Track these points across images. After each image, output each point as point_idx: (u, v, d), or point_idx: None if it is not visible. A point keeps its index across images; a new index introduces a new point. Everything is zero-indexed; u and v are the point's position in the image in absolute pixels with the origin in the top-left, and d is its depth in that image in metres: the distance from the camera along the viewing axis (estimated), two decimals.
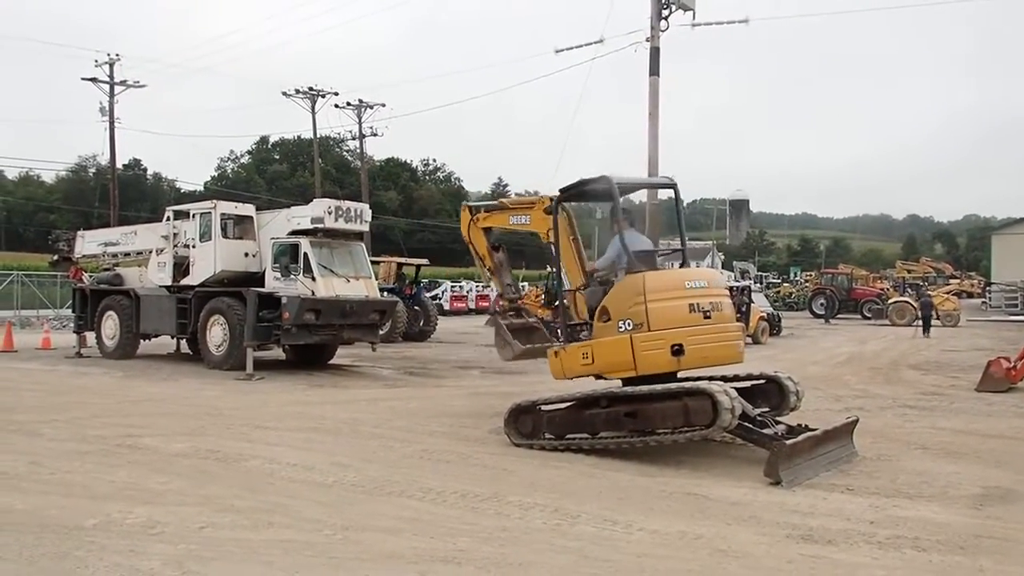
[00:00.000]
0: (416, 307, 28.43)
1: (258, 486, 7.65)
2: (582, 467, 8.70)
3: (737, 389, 9.03)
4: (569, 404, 9.65)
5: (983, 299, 57.16)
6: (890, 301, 42.64)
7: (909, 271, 69.27)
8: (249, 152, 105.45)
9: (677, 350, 8.98)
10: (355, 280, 18.04)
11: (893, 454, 9.61)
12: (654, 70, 26.09)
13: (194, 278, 18.55)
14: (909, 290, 50.32)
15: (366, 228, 18.97)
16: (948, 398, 14.81)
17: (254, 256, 18.60)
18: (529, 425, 9.76)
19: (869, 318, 43.42)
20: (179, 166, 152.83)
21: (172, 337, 20.14)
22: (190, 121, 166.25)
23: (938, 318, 36.60)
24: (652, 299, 9.09)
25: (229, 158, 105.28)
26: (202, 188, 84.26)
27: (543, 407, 9.77)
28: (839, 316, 44.56)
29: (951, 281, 64.66)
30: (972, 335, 32.15)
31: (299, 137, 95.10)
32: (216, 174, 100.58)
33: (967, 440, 10.58)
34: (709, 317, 9.18)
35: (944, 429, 11.39)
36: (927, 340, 30.27)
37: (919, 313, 34.55)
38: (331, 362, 19.59)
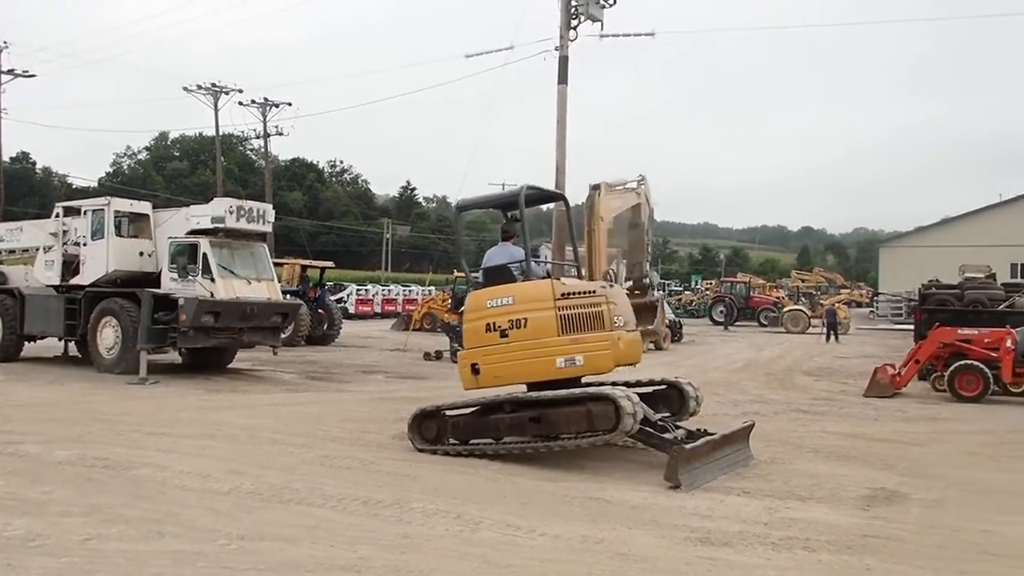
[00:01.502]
0: (320, 310, 27.95)
1: (149, 495, 7.36)
2: (486, 472, 8.69)
3: (639, 394, 9.16)
4: (474, 409, 9.63)
5: (871, 308, 59.54)
6: (785, 309, 44.01)
7: (803, 281, 71.57)
8: (147, 148, 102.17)
9: (475, 369, 9.46)
10: (256, 282, 17.60)
11: (787, 457, 9.91)
12: (563, 78, 26.31)
13: (84, 278, 17.79)
14: (803, 299, 51.98)
15: (269, 229, 18.55)
16: (838, 403, 15.37)
17: (150, 256, 17.95)
18: (433, 430, 9.69)
19: (766, 325, 44.70)
20: (71, 161, 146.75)
21: (60, 339, 19.29)
22: (84, 115, 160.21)
23: (840, 325, 38.06)
24: (467, 319, 9.85)
25: (126, 154, 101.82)
26: (96, 185, 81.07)
27: (447, 412, 9.72)
28: (737, 323, 45.73)
29: (842, 291, 67.03)
30: (860, 343, 33.46)
31: (201, 134, 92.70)
32: (111, 170, 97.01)
33: (855, 444, 10.99)
34: (506, 336, 9.33)
35: (834, 433, 11.80)
36: (824, 346, 31.42)
37: (825, 321, 35.93)
38: (230, 366, 19.05)
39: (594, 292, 9.45)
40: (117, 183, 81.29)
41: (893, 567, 5.95)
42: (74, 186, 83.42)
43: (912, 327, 25.09)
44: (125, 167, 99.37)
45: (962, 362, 15.76)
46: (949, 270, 31.57)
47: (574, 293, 9.40)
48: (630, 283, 13.12)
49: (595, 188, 12.98)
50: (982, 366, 15.53)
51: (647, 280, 11.76)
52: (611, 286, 10.05)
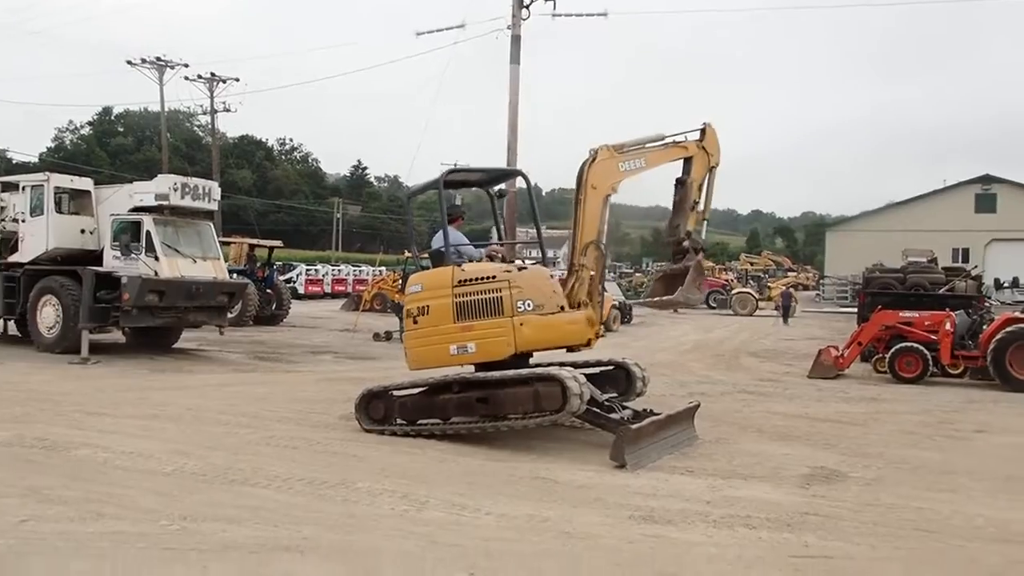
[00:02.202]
0: (268, 290, 27.64)
1: (89, 476, 7.24)
2: (433, 452, 8.69)
3: (586, 375, 9.24)
4: (421, 389, 9.61)
5: (817, 291, 60.58)
6: (734, 292, 44.57)
7: (752, 264, 72.57)
8: (90, 123, 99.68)
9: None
10: (202, 261, 17.32)
11: (731, 437, 10.05)
12: (515, 58, 26.30)
13: (23, 255, 17.35)
14: (751, 282, 52.68)
15: (215, 207, 18.26)
16: (783, 384, 15.63)
17: (91, 233, 17.55)
18: (381, 411, 9.65)
19: (715, 308, 45.19)
20: (11, 136, 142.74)
21: None
22: (24, 88, 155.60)
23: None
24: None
25: (68, 129, 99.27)
26: (37, 160, 79.03)
27: (395, 392, 9.69)
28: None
29: (789, 274, 68.04)
30: (806, 325, 34.03)
31: (146, 109, 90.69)
32: (53, 145, 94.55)
33: (798, 423, 11.19)
34: (416, 322, 9.70)
35: (778, 413, 12.01)
36: (777, 328, 32.05)
37: (780, 303, 36.60)
38: (175, 346, 18.76)
39: (494, 277, 9.48)
40: (59, 159, 79.29)
41: (831, 544, 6.08)
42: (14, 161, 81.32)
43: (856, 310, 25.63)
44: (67, 142, 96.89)
45: (903, 344, 16.11)
46: (893, 254, 32.39)
47: (472, 279, 9.49)
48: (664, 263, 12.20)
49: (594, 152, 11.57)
50: (922, 348, 15.89)
51: (686, 244, 10.97)
52: (521, 269, 9.87)
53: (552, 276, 10.07)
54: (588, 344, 9.81)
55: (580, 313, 9.70)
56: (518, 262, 11.40)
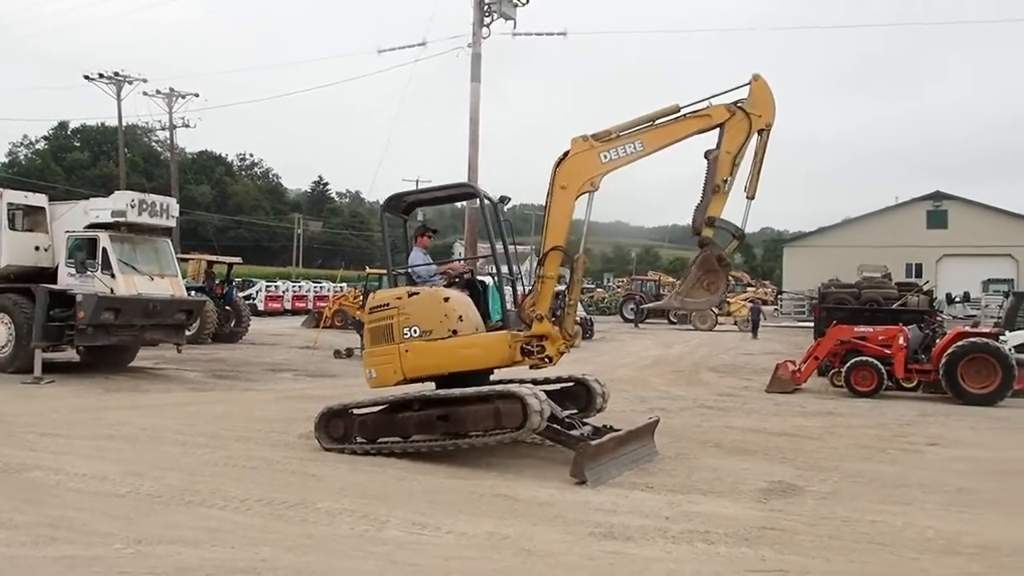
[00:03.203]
0: (227, 307, 27.36)
1: (41, 498, 7.12)
2: (393, 471, 8.66)
3: (546, 391, 9.26)
4: (381, 408, 9.57)
5: (775, 306, 61.30)
6: None
7: None
8: (46, 138, 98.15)
9: None
10: (160, 278, 17.13)
11: (690, 452, 10.14)
12: (476, 76, 26.46)
13: None
14: None
15: (172, 224, 18.07)
16: (741, 399, 15.80)
17: (46, 250, 17.26)
18: (341, 429, 9.60)
19: (675, 323, 45.57)
20: None
21: None
22: None
23: (747, 322, 39.71)
24: None
25: (22, 143, 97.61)
26: None
27: (355, 411, 9.65)
28: (647, 321, 46.50)
29: (748, 289, 68.75)
30: (765, 340, 34.44)
31: (103, 124, 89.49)
32: (7, 160, 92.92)
33: (756, 438, 11.31)
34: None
35: (737, 428, 12.13)
36: (744, 342, 32.60)
37: (750, 317, 37.67)
38: (131, 365, 18.49)
39: (387, 305, 9.62)
40: (13, 174, 77.93)
41: (787, 558, 6.15)
42: None
43: (813, 324, 25.97)
44: (22, 157, 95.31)
45: (858, 358, 16.37)
46: (849, 269, 32.82)
47: (377, 306, 9.72)
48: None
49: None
50: (876, 362, 16.16)
51: (705, 234, 9.48)
52: (412, 295, 9.65)
53: (447, 299, 9.54)
54: (549, 362, 9.51)
55: (488, 336, 9.42)
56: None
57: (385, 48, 29.27)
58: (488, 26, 26.81)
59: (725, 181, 9.46)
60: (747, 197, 9.63)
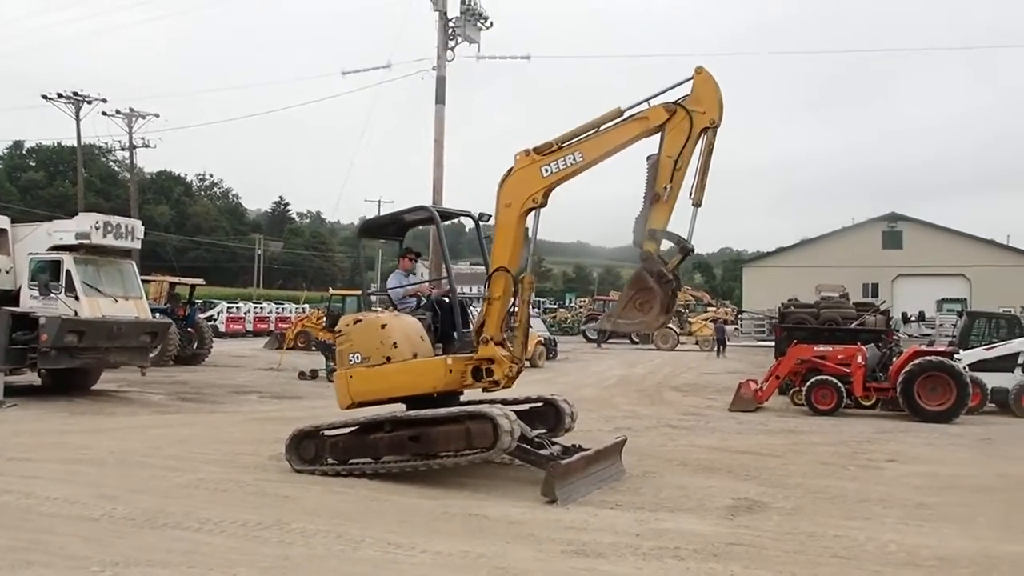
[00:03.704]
0: (189, 329, 27.15)
1: (13, 522, 7.10)
2: (365, 492, 8.72)
3: (516, 412, 9.39)
4: (352, 429, 9.64)
5: (736, 326, 62.01)
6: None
7: None
8: (0, 158, 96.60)
9: None
10: (124, 300, 17.01)
11: (657, 470, 10.31)
12: (440, 98, 26.63)
13: None
14: (673, 317, 53.61)
15: (137, 246, 17.98)
16: (705, 418, 16.03)
17: (8, 272, 17.06)
18: (312, 451, 9.65)
19: (637, 343, 45.89)
20: None
21: None
22: None
23: (707, 342, 40.44)
24: None
25: None
26: None
27: (326, 432, 9.70)
28: (610, 341, 46.77)
29: (708, 308, 69.41)
30: (727, 359, 34.85)
31: (59, 144, 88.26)
32: None
33: (721, 456, 11.52)
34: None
35: (702, 446, 12.33)
36: (709, 361, 33.23)
37: (714, 337, 38.61)
38: (94, 387, 18.29)
39: (340, 331, 9.82)
40: None
41: (755, 572, 6.33)
42: None
43: (773, 344, 26.39)
44: None
45: (818, 377, 16.70)
46: (807, 289, 33.40)
47: (337, 331, 9.93)
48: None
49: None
50: (836, 381, 16.51)
51: (647, 248, 8.78)
52: (356, 321, 9.77)
53: (384, 325, 9.54)
54: (498, 385, 9.43)
55: (421, 362, 9.39)
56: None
57: (350, 70, 29.38)
58: (452, 49, 27.04)
59: (665, 188, 8.81)
60: (693, 205, 8.92)
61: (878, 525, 7.85)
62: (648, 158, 8.92)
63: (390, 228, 11.11)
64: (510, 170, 9.34)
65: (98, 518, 7.37)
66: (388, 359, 9.37)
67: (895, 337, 22.67)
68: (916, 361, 15.94)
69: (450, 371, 9.30)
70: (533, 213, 9.41)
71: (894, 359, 16.81)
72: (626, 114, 9.01)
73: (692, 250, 9.14)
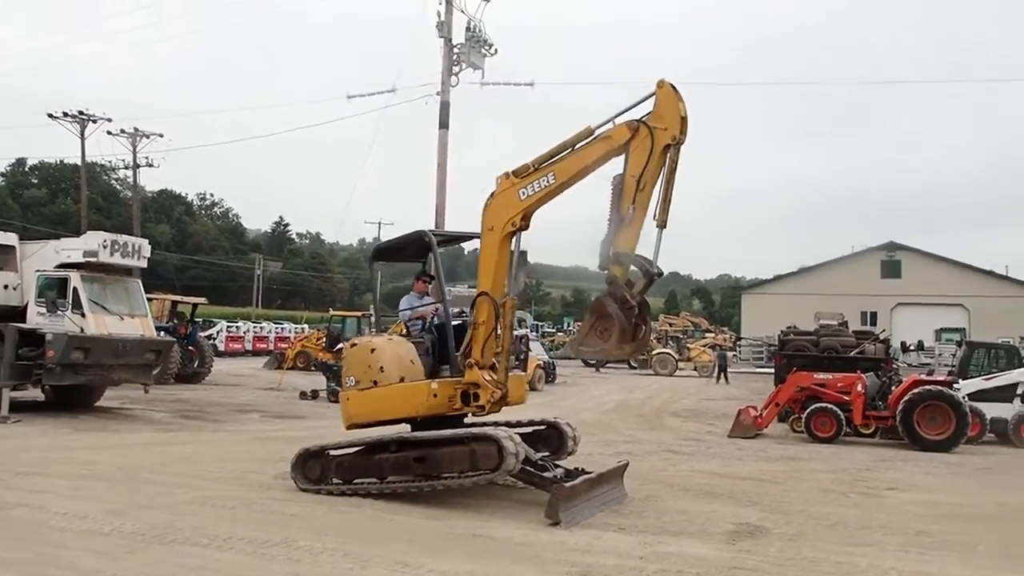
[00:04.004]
0: (191, 347, 27.21)
1: (26, 536, 7.18)
2: (371, 511, 8.80)
3: (520, 434, 9.47)
4: (358, 449, 9.72)
5: (734, 352, 62.08)
6: (654, 352, 45.41)
7: (671, 324, 73.97)
8: (3, 175, 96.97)
9: None
10: (129, 318, 17.14)
11: (659, 495, 10.39)
12: (444, 123, 26.87)
13: None
14: (671, 342, 53.68)
15: (144, 264, 18.11)
16: (705, 443, 16.11)
17: (15, 289, 17.21)
18: (317, 470, 9.73)
19: (635, 368, 45.93)
20: None
21: None
22: None
23: (704, 368, 40.65)
24: None
25: None
26: None
27: (332, 452, 9.78)
28: (608, 365, 46.83)
29: (707, 335, 69.51)
30: (727, 385, 34.90)
31: (61, 161, 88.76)
32: None
33: (722, 482, 11.60)
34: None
35: (702, 472, 12.41)
36: (709, 387, 33.45)
37: (716, 363, 38.87)
38: (98, 404, 18.37)
39: (343, 354, 10.12)
40: None
41: None
42: None
43: (773, 371, 26.51)
44: None
45: (817, 405, 16.79)
46: (805, 316, 33.59)
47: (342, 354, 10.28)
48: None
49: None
50: (836, 409, 16.58)
51: (612, 271, 8.53)
52: (353, 345, 10.02)
53: (373, 350, 9.65)
54: (484, 410, 9.39)
55: (404, 387, 9.43)
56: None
57: (355, 94, 29.66)
58: (457, 75, 27.31)
59: (629, 209, 8.51)
60: (657, 227, 8.60)
61: (879, 552, 7.93)
62: (613, 179, 8.72)
63: (407, 251, 11.15)
64: (492, 193, 9.30)
65: (108, 533, 7.45)
66: (375, 383, 9.54)
67: (894, 366, 22.77)
68: (916, 390, 16.04)
69: (434, 395, 9.36)
70: (515, 236, 9.33)
71: (893, 388, 16.90)
72: (595, 133, 8.85)
73: (658, 275, 8.75)
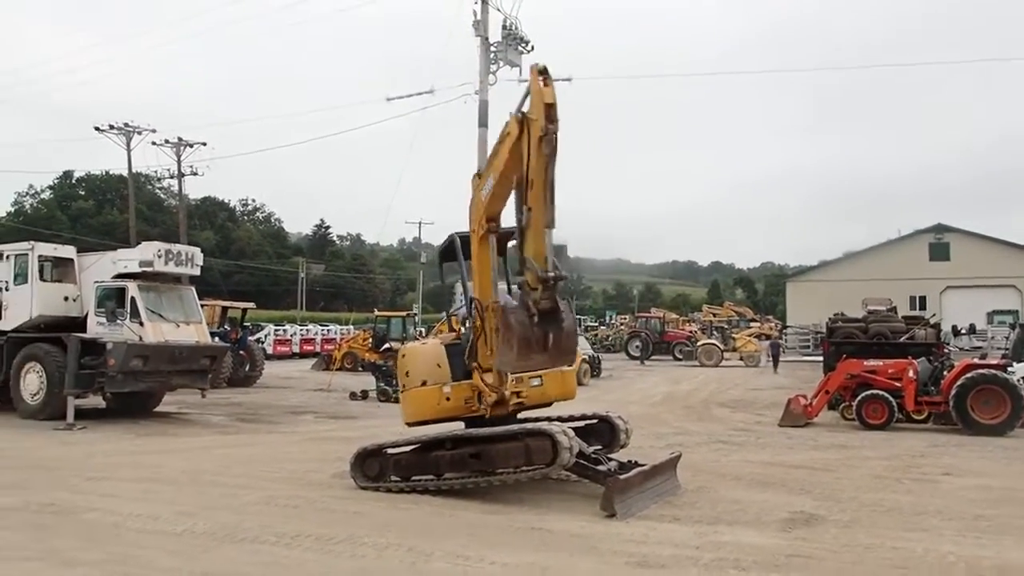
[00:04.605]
0: (241, 352, 27.72)
1: (103, 538, 7.48)
2: (430, 507, 9.01)
3: (573, 428, 9.63)
4: (415, 447, 9.94)
5: (781, 341, 61.53)
6: (699, 343, 45.26)
7: (715, 315, 73.63)
8: (51, 187, 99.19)
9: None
10: (185, 325, 17.59)
11: (712, 485, 10.47)
12: (483, 122, 26.98)
13: (7, 323, 17.51)
14: (716, 333, 53.46)
15: (197, 272, 18.59)
16: (755, 433, 16.11)
17: (75, 300, 17.76)
18: (376, 468, 9.95)
19: (680, 359, 45.81)
20: None
21: None
22: None
23: (751, 358, 40.54)
24: None
25: (28, 193, 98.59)
26: None
27: (389, 450, 10.01)
28: (653, 357, 46.76)
29: (752, 324, 68.99)
30: (772, 374, 34.70)
31: (107, 173, 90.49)
32: (13, 209, 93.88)
33: (774, 471, 11.64)
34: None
35: (754, 462, 12.46)
36: (765, 376, 33.53)
37: (770, 352, 38.89)
38: (156, 410, 18.86)
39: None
40: (19, 222, 78.89)
41: None
42: None
43: (820, 359, 26.31)
44: (27, 206, 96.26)
45: (868, 392, 16.69)
46: (852, 303, 33.16)
47: None
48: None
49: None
50: (887, 396, 16.48)
51: (530, 279, 8.11)
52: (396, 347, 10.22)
53: (404, 355, 10.47)
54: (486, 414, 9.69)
55: (419, 391, 10.06)
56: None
57: (393, 96, 29.90)
58: (494, 73, 27.44)
59: (529, 210, 8.09)
60: (544, 227, 8.07)
61: (936, 537, 7.95)
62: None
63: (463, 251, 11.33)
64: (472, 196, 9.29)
65: (180, 533, 7.73)
66: (403, 387, 10.27)
67: (946, 350, 22.51)
68: (969, 374, 15.90)
69: (447, 399, 9.78)
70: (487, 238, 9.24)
71: (945, 372, 16.75)
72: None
73: (555, 279, 8.17)
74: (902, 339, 22.48)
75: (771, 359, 37.88)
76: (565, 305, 8.58)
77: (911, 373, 16.60)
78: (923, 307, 48.86)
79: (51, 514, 8.39)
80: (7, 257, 17.83)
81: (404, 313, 40.47)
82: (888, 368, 17.10)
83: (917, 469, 11.94)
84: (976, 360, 17.40)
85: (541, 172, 8.04)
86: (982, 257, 53.70)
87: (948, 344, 29.53)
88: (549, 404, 10.52)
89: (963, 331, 37.50)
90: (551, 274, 8.11)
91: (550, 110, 8.01)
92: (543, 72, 8.15)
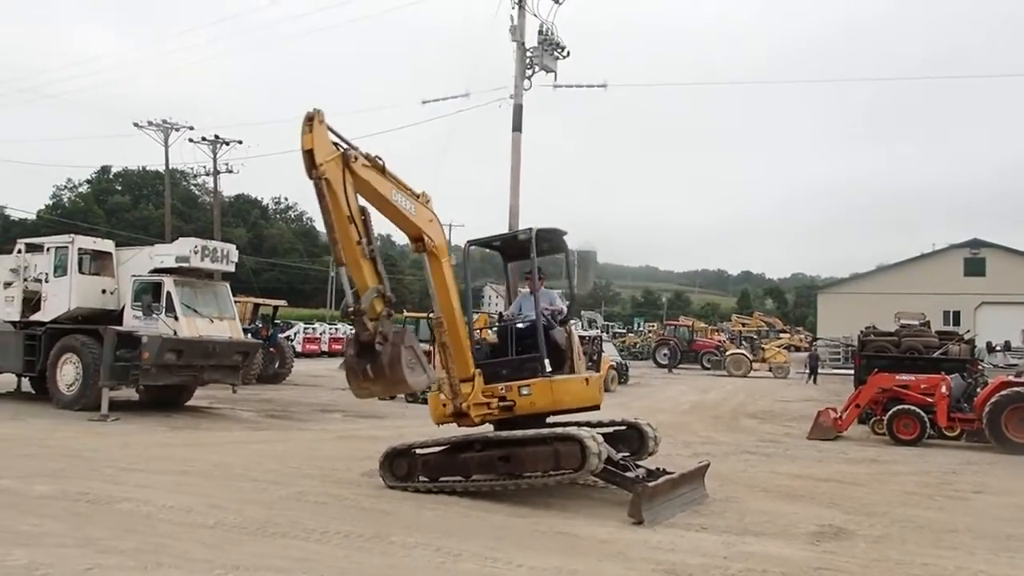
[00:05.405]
0: (271, 349, 27.96)
1: (137, 527, 7.60)
2: (458, 508, 9.06)
3: (602, 434, 9.65)
4: (444, 448, 10.01)
5: (810, 352, 60.99)
6: (728, 353, 45.00)
7: (744, 325, 73.12)
8: (88, 182, 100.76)
9: None
10: (219, 320, 17.81)
11: (740, 496, 10.44)
12: (517, 126, 27.11)
13: (46, 314, 17.80)
14: (744, 343, 53.13)
15: (232, 268, 18.82)
16: (784, 445, 16.02)
17: (112, 293, 18.05)
18: (404, 468, 10.03)
19: (708, 368, 45.59)
20: (9, 194, 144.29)
21: (17, 375, 19.15)
22: (31, 149, 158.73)
23: (780, 369, 40.30)
24: None
25: (66, 187, 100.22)
26: (35, 217, 79.95)
27: (418, 451, 10.09)
28: (681, 366, 46.61)
29: (781, 335, 68.46)
30: (801, 386, 34.47)
31: (144, 168, 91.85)
32: (51, 203, 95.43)
33: (803, 484, 11.58)
34: None
35: (782, 474, 12.40)
36: (801, 387, 33.56)
37: (808, 363, 38.94)
38: (188, 404, 19.10)
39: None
40: (57, 215, 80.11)
41: None
42: (12, 218, 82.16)
43: (851, 372, 26.10)
44: (65, 200, 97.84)
45: (900, 407, 16.53)
46: (884, 316, 32.89)
47: None
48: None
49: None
50: (919, 411, 16.31)
51: (369, 311, 8.58)
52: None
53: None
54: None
55: (434, 393, 10.37)
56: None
57: (429, 99, 30.13)
58: (529, 78, 27.54)
59: (359, 243, 8.70)
60: (338, 264, 8.65)
61: (967, 555, 7.89)
62: None
63: (508, 253, 11.60)
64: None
65: (212, 526, 7.83)
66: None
67: (980, 367, 22.24)
68: (1003, 392, 15.69)
69: (444, 405, 9.99)
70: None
71: (979, 389, 16.57)
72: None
73: (352, 313, 8.59)
74: (935, 354, 22.24)
75: (809, 371, 37.61)
76: (395, 335, 8.90)
77: (944, 389, 16.42)
78: (957, 322, 48.26)
79: (86, 503, 8.53)
80: (47, 249, 18.16)
81: (427, 315, 40.50)
82: (921, 383, 16.93)
83: (949, 486, 11.82)
84: (1011, 378, 17.15)
85: (327, 211, 8.60)
86: (1019, 273, 52.90)
87: (982, 361, 29.19)
88: (572, 411, 10.38)
89: (998, 348, 37.06)
90: (350, 308, 8.62)
91: (307, 157, 8.41)
92: (310, 118, 8.48)
